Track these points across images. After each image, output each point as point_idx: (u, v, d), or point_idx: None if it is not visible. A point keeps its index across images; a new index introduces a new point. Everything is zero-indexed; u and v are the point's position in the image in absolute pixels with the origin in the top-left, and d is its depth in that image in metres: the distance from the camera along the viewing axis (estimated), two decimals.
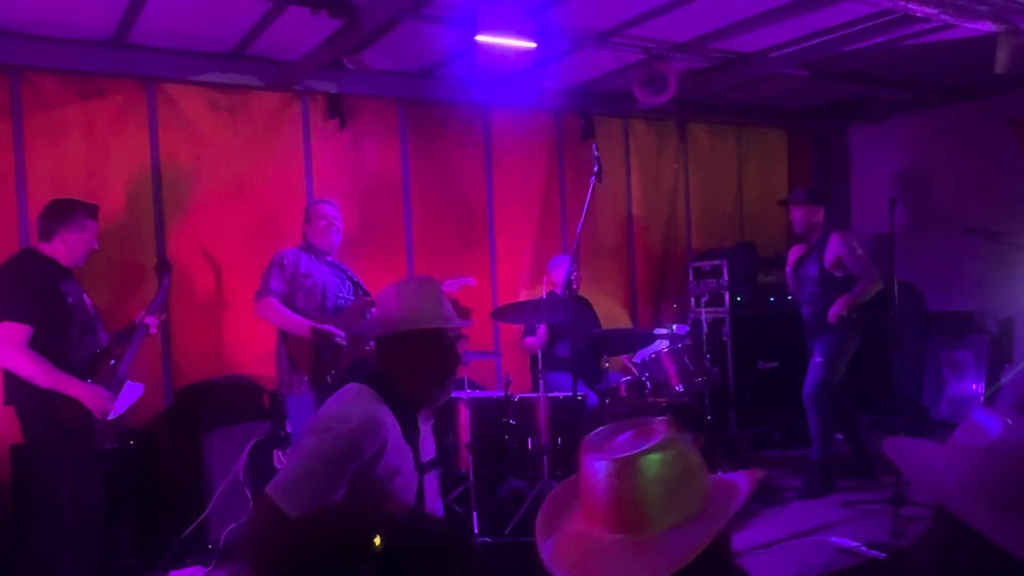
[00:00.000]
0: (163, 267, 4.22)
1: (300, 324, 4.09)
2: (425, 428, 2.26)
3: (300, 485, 1.85)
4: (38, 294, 3.39)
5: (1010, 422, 1.25)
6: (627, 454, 1.25)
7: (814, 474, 5.15)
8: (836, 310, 5.00)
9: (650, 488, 1.23)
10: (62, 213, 3.57)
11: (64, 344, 3.43)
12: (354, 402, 2.05)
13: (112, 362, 3.60)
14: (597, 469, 1.26)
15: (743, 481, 1.32)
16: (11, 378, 3.38)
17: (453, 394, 4.74)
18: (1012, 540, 1.16)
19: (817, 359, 5.16)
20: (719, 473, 1.37)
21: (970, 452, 1.27)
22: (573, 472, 1.40)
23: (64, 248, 3.55)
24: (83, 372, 3.46)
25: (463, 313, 2.46)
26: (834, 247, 5.14)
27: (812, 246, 5.28)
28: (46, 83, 4.50)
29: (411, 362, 2.14)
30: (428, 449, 2.26)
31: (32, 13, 4.09)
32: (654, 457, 1.24)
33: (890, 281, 5.51)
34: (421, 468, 2.14)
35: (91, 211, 3.66)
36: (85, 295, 3.62)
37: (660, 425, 1.30)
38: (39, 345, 3.34)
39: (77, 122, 4.57)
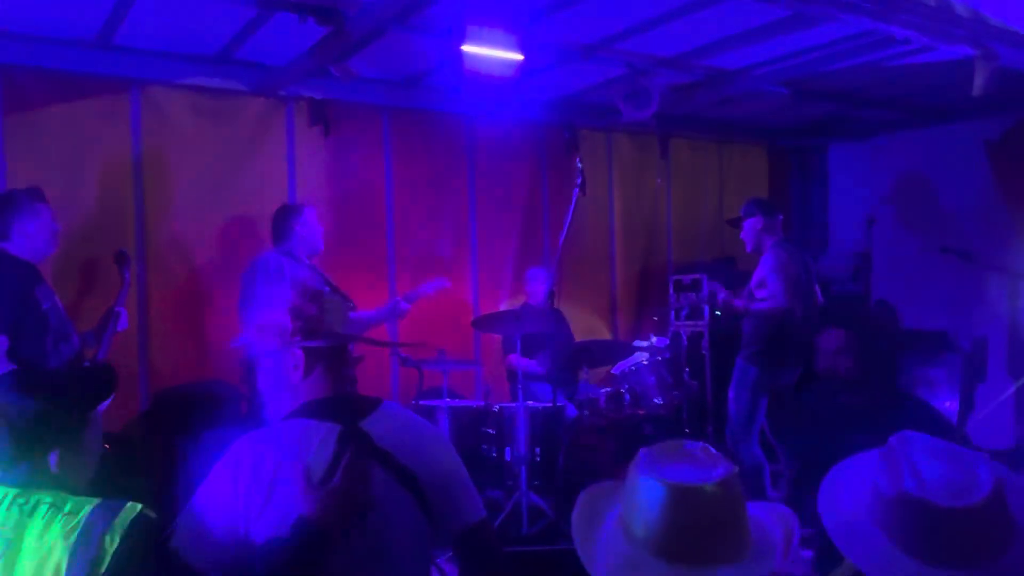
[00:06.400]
0: (122, 259, 4.05)
1: None
2: None
3: None
4: (11, 301, 3.23)
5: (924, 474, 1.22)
6: (689, 483, 1.19)
7: None
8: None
9: (710, 521, 1.18)
10: (6, 206, 3.39)
11: (39, 353, 3.29)
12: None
13: (86, 364, 3.49)
14: (655, 494, 1.19)
15: (770, 521, 1.28)
16: None
17: (432, 403, 4.74)
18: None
19: (729, 392, 4.71)
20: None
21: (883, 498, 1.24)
22: (601, 479, 1.38)
23: (26, 240, 3.39)
24: None
25: None
26: (766, 262, 4.60)
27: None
28: (28, 82, 4.46)
29: None
30: None
31: (16, 11, 4.06)
32: (716, 490, 1.18)
33: (867, 298, 5.57)
34: None
35: (34, 194, 3.49)
36: (57, 298, 3.48)
37: (721, 458, 1.24)
38: (13, 355, 3.18)
39: (59, 123, 4.53)
